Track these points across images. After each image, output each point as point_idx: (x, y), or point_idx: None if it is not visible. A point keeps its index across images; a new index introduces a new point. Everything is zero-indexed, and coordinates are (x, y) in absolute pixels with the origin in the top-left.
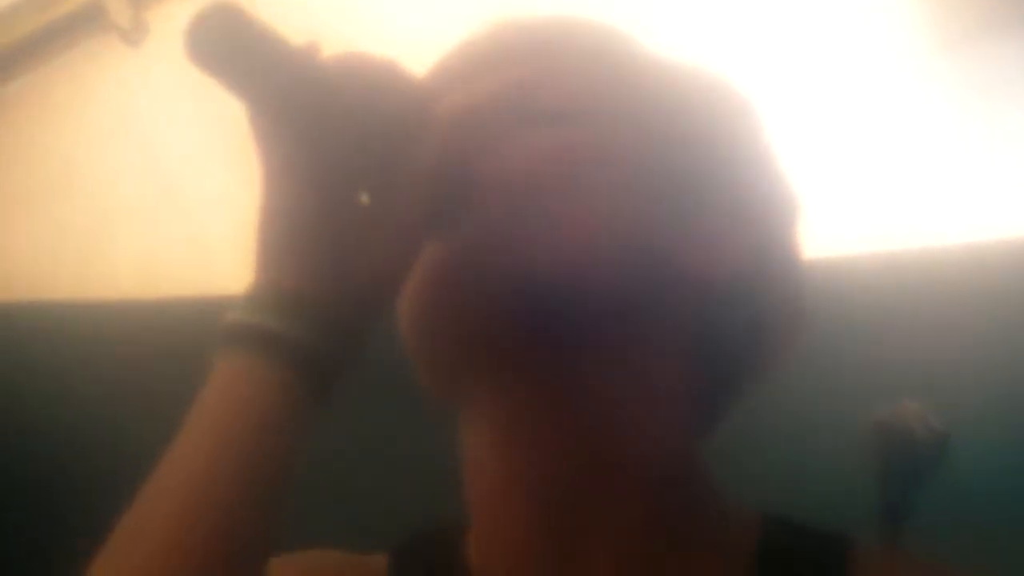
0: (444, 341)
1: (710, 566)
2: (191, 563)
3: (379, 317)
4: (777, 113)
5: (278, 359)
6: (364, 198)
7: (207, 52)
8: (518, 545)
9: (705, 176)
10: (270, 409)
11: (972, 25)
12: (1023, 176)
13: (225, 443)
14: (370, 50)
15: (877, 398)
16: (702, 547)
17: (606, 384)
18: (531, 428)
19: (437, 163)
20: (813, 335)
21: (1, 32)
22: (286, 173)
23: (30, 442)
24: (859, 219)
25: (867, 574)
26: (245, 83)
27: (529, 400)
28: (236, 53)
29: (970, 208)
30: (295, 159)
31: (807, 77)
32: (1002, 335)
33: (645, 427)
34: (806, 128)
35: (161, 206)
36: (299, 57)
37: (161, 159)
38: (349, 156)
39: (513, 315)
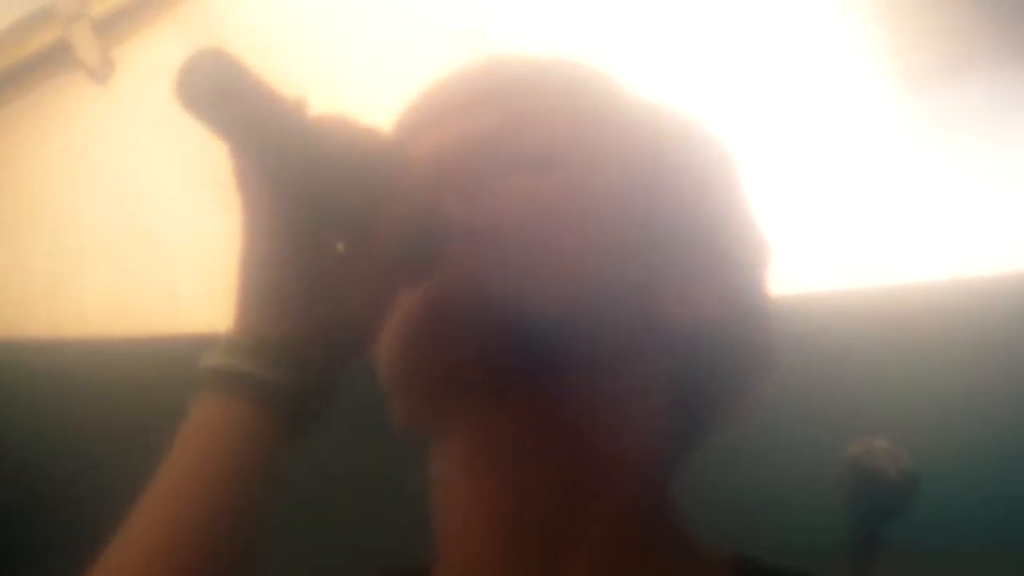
0: (423, 377)
1: None
2: None
3: (354, 360)
4: (745, 151)
5: (255, 400)
6: (339, 246)
7: (196, 95)
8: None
9: (682, 222)
10: (247, 447)
11: (937, 64)
12: (987, 214)
13: (204, 480)
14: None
15: (849, 435)
16: None
17: (584, 419)
18: (508, 457)
19: (412, 208)
20: (784, 373)
21: None
22: (265, 220)
23: None
24: (827, 256)
25: None
26: (232, 128)
27: (507, 431)
28: (225, 98)
29: (936, 245)
30: (275, 206)
31: (774, 116)
32: (970, 370)
33: (621, 461)
34: (773, 165)
35: (130, 244)
36: (285, 107)
37: (129, 196)
38: (326, 206)
39: (492, 354)
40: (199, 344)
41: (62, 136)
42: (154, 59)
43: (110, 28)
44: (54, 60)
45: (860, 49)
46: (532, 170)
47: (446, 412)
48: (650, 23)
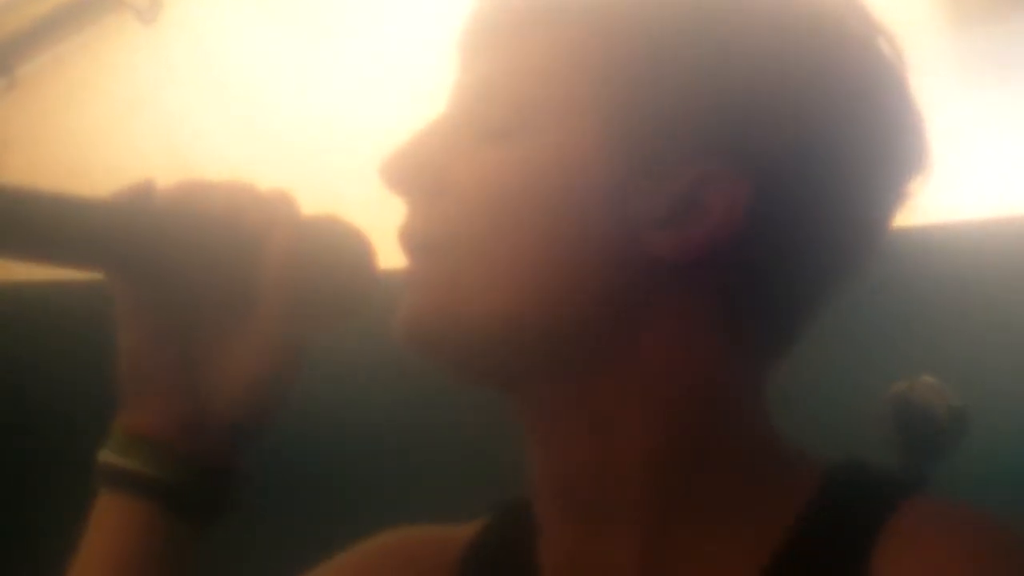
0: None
1: (753, 528)
2: None
3: (262, 424)
4: None
5: (142, 497)
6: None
7: None
8: (555, 526)
9: (671, 133)
10: (142, 545)
11: (988, 4)
12: None
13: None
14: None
15: (896, 372)
16: (747, 507)
17: (616, 381)
18: (548, 427)
19: (294, 252)
20: (831, 310)
21: (16, 13)
22: (127, 317)
23: (46, 420)
24: None
25: (902, 538)
26: (40, 253)
27: (538, 409)
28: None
29: (983, 183)
30: (132, 304)
31: None
32: (1015, 312)
33: (661, 406)
34: None
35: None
36: (81, 204)
37: (177, 137)
38: (187, 288)
39: (488, 367)
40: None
41: (109, 77)
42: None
43: None
44: (101, 1)
45: None
46: (488, 144)
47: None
48: None
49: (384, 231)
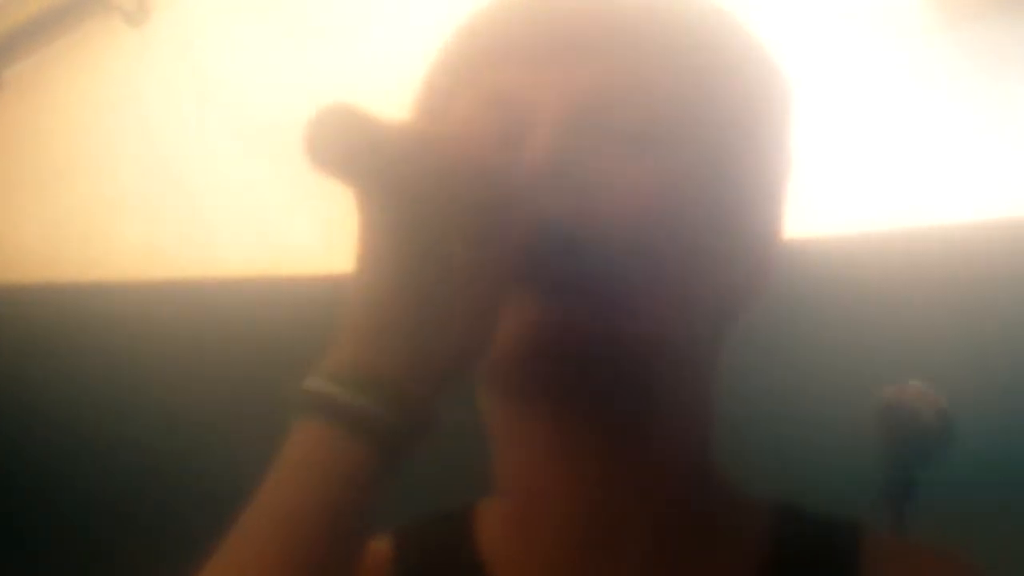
0: (532, 384)
1: (727, 555)
2: None
3: (457, 382)
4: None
5: (353, 432)
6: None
7: (328, 158)
8: (553, 524)
9: (759, 186)
10: (342, 478)
11: (978, 4)
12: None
13: (301, 508)
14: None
15: (883, 379)
16: (721, 536)
17: (663, 403)
18: (592, 440)
19: (525, 216)
20: (818, 316)
21: (4, 15)
22: (383, 250)
23: (32, 422)
24: (861, 199)
25: (879, 562)
26: (365, 180)
27: (595, 418)
28: (355, 156)
29: (973, 188)
30: (396, 236)
31: (810, 55)
32: (1005, 315)
33: (689, 427)
34: (808, 108)
35: (162, 188)
36: (412, 141)
37: (163, 140)
38: (448, 227)
39: (602, 374)
40: (230, 288)
41: (97, 80)
42: (189, 2)
43: None
44: (89, 4)
45: None
46: (628, 149)
47: (538, 398)
48: None
49: None
